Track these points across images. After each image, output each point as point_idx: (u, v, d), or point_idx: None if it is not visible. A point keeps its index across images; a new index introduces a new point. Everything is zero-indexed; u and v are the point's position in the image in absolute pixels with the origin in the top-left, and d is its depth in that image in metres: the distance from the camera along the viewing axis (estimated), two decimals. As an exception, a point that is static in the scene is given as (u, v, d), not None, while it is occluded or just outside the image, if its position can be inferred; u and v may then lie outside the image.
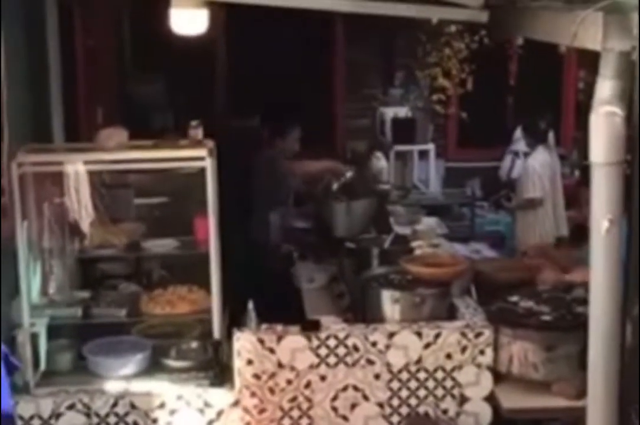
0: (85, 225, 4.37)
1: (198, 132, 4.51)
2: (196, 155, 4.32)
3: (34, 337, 4.32)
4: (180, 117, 7.30)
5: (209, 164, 4.29)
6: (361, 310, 4.68)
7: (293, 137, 6.92)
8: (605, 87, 2.92)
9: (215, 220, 4.39)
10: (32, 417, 4.20)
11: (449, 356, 4.22)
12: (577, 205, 6.40)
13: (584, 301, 3.90)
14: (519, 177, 7.28)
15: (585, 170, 3.16)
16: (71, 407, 4.22)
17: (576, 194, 6.69)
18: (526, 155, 7.36)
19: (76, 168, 4.23)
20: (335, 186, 6.31)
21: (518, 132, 8.08)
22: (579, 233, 5.72)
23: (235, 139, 7.13)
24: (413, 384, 4.24)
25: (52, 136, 5.40)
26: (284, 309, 5.02)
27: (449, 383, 4.24)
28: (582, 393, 3.65)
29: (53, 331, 4.47)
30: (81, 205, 4.30)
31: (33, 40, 5.04)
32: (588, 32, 2.88)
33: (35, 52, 5.11)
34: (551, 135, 7.73)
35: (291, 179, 6.87)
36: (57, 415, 4.21)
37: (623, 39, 2.84)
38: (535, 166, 6.94)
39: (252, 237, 6.70)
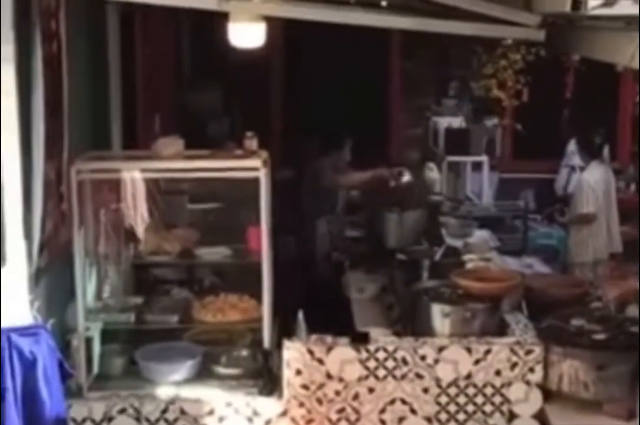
0: (140, 232, 4.44)
1: (253, 143, 4.55)
2: (250, 166, 4.36)
3: (88, 342, 4.40)
4: (236, 127, 7.38)
5: (262, 175, 4.33)
6: (411, 323, 4.69)
7: (347, 148, 6.98)
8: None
9: (268, 229, 4.43)
10: (84, 420, 4.26)
11: (498, 372, 4.20)
12: (633, 221, 6.33)
13: (637, 321, 3.87)
14: (573, 191, 7.22)
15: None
16: (122, 411, 4.28)
17: (632, 208, 6.62)
18: (582, 169, 7.29)
19: (133, 176, 4.30)
20: (392, 184, 6.29)
21: (572, 145, 8.02)
22: (634, 248, 5.67)
23: (290, 150, 7.20)
24: (462, 399, 4.23)
25: (110, 144, 5.49)
26: (333, 319, 5.04)
27: (497, 399, 4.23)
28: (633, 413, 3.63)
29: (106, 336, 4.54)
30: (137, 212, 4.37)
31: (94, 48, 5.14)
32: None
33: (97, 61, 5.20)
34: (606, 150, 7.66)
35: (339, 189, 6.91)
36: (108, 419, 4.27)
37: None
38: (589, 181, 6.86)
39: (303, 247, 6.74)
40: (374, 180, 6.59)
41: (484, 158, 8.68)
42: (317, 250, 6.90)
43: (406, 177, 6.26)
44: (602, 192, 6.88)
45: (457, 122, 8.74)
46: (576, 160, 7.82)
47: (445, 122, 8.75)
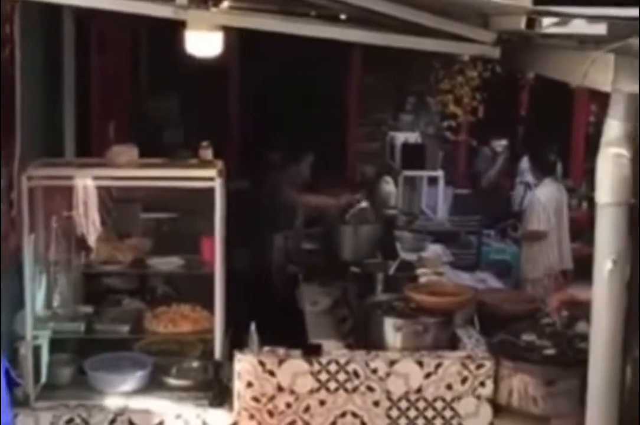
0: (92, 240, 4.39)
1: (208, 153, 4.54)
2: (205, 176, 4.35)
3: (36, 350, 4.34)
4: (191, 136, 7.36)
5: (217, 185, 4.32)
6: (363, 336, 4.68)
7: (306, 163, 6.99)
8: (614, 128, 2.93)
9: (222, 240, 4.41)
10: (30, 430, 4.21)
11: (449, 386, 4.22)
12: (583, 238, 6.40)
13: (586, 337, 3.89)
14: (525, 208, 7.27)
15: (594, 203, 3.20)
16: (70, 421, 4.23)
17: (583, 226, 6.70)
18: (535, 186, 7.36)
19: (85, 183, 4.26)
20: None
21: (524, 163, 8.10)
22: (585, 265, 5.71)
23: (246, 161, 7.19)
24: (412, 413, 4.23)
25: (63, 151, 5.43)
26: (286, 332, 5.02)
27: (448, 413, 4.24)
28: (581, 429, 3.64)
29: (55, 345, 4.49)
30: (89, 220, 4.32)
31: (48, 55, 5.09)
32: (599, 73, 2.90)
33: (51, 67, 5.16)
34: (559, 167, 7.75)
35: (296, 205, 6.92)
36: (55, 429, 4.22)
37: (633, 81, 2.86)
38: (540, 199, 6.92)
39: (257, 259, 6.73)
40: (330, 206, 6.61)
41: (439, 173, 8.75)
42: (272, 262, 6.90)
43: (363, 204, 6.26)
44: (554, 209, 6.94)
45: (414, 137, 8.81)
46: (529, 177, 7.89)
47: (402, 137, 8.81)
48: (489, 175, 8.90)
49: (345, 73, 9.31)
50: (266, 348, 4.29)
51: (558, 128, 8.91)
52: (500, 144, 8.81)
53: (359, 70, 9.21)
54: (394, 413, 4.23)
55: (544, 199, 6.91)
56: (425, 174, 8.75)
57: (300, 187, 7.09)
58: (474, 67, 8.27)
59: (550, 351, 4.23)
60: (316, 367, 4.20)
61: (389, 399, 4.22)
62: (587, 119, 9.08)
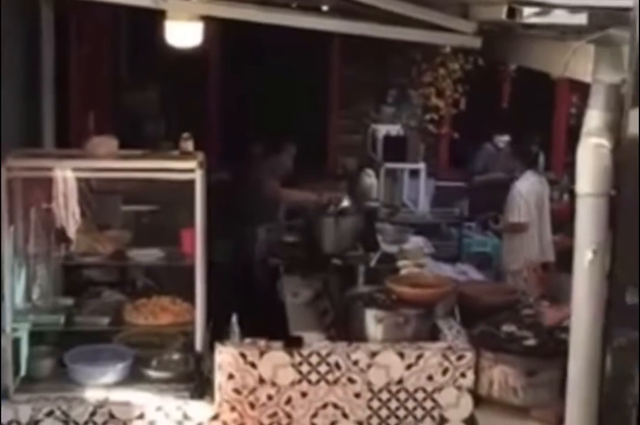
0: (71, 232, 4.36)
1: (189, 144, 4.51)
2: (186, 167, 4.32)
3: (16, 343, 4.32)
4: (172, 127, 7.32)
5: (198, 176, 4.29)
6: (344, 328, 4.68)
7: (288, 154, 6.97)
8: (594, 119, 2.94)
9: (202, 232, 4.39)
10: (10, 423, 4.18)
11: (430, 377, 4.22)
12: (565, 230, 6.41)
13: (566, 328, 3.91)
14: (506, 200, 7.26)
15: (575, 196, 3.21)
16: (50, 414, 4.20)
17: (565, 218, 6.71)
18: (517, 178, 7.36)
19: (65, 174, 4.23)
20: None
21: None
22: (566, 258, 5.72)
23: (228, 153, 7.17)
24: (393, 404, 4.24)
25: (42, 142, 5.39)
26: (267, 323, 5.02)
27: (429, 404, 4.24)
28: (561, 420, 3.65)
29: (35, 337, 4.46)
30: (68, 211, 4.30)
31: (27, 45, 5.05)
32: (579, 63, 2.91)
33: (29, 58, 5.12)
34: (541, 159, 7.77)
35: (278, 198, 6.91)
36: (35, 422, 4.19)
37: (613, 71, 2.86)
38: (521, 191, 6.94)
39: (239, 251, 6.71)
40: (312, 202, 6.61)
41: (421, 165, 8.75)
42: (254, 254, 6.88)
43: (345, 203, 6.25)
44: (535, 202, 6.96)
45: (396, 129, 8.80)
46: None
47: (384, 129, 8.80)
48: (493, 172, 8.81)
49: (327, 65, 9.28)
50: (247, 340, 4.28)
51: (540, 120, 8.92)
52: (503, 139, 8.76)
53: (340, 63, 9.19)
54: (375, 404, 4.24)
55: (525, 191, 6.92)
56: (406, 166, 8.75)
57: (281, 179, 7.07)
58: (455, 60, 8.27)
59: (530, 342, 4.25)
60: (297, 359, 4.19)
61: (370, 390, 4.22)
62: (568, 111, 9.09)
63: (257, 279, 6.76)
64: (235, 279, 6.72)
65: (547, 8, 3.06)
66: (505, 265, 6.98)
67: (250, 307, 5.49)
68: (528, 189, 6.94)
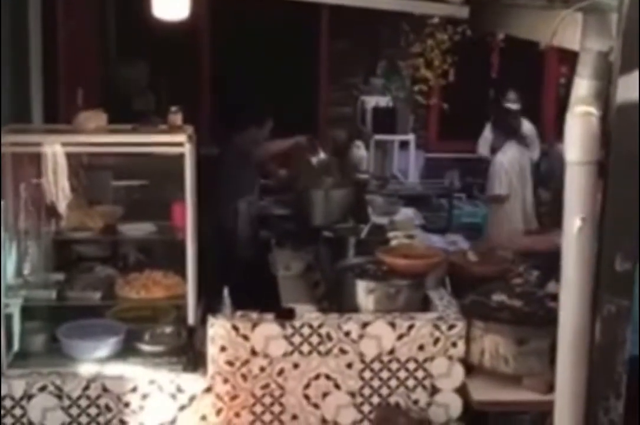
0: (62, 207, 4.36)
1: (177, 118, 4.50)
2: (175, 141, 4.31)
3: (8, 318, 4.32)
4: (161, 102, 7.29)
5: (187, 150, 4.29)
6: (336, 300, 4.71)
7: (268, 127, 6.94)
8: (583, 87, 2.94)
9: (193, 206, 4.39)
10: (3, 398, 4.20)
11: (421, 347, 4.25)
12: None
13: (557, 296, 3.93)
14: (488, 171, 7.25)
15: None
16: (43, 388, 4.22)
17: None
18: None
19: (54, 149, 4.22)
20: (314, 161, 6.31)
21: (487, 131, 8.05)
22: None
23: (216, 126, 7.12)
24: (385, 374, 4.27)
25: (31, 117, 5.37)
26: (259, 296, 5.03)
27: (420, 374, 4.27)
28: (552, 388, 3.68)
29: (27, 313, 4.46)
30: (58, 187, 4.29)
31: (14, 20, 5.01)
32: (567, 31, 2.90)
33: (16, 32, 5.07)
34: (532, 130, 7.76)
35: (259, 162, 6.89)
36: (28, 397, 4.22)
37: (602, 39, 2.86)
38: (503, 162, 6.94)
39: (222, 225, 6.71)
40: (293, 150, 6.58)
41: (410, 137, 8.74)
42: (236, 228, 6.86)
43: (322, 155, 6.24)
44: (517, 173, 6.96)
45: (385, 101, 8.77)
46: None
47: (373, 101, 8.78)
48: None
49: (315, 37, 9.23)
50: (239, 312, 4.30)
51: (528, 91, 8.89)
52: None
53: (328, 35, 9.13)
54: (367, 374, 4.27)
55: (507, 162, 6.93)
56: (396, 138, 8.74)
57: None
58: (444, 30, 8.24)
59: (520, 311, 4.27)
60: (289, 330, 4.21)
61: (362, 361, 4.25)
62: (557, 81, 9.07)
63: (248, 252, 6.76)
64: (226, 252, 6.72)
65: (534, -24, 3.05)
66: (490, 236, 7.00)
67: (242, 280, 5.50)
68: (510, 160, 6.95)
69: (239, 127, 7.00)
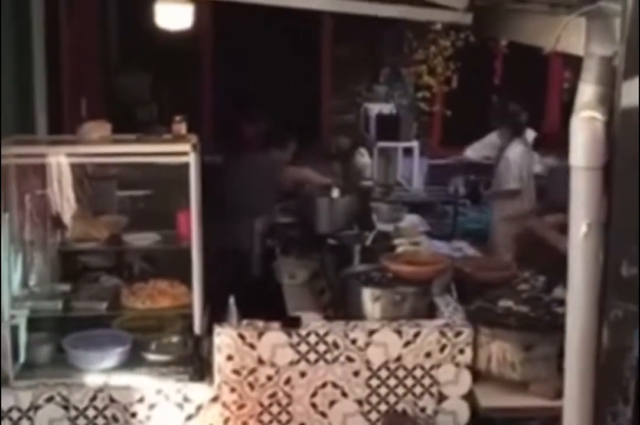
0: (66, 218, 4.36)
1: (182, 127, 4.50)
2: (179, 150, 4.31)
3: (14, 330, 4.32)
4: (165, 112, 7.31)
5: (192, 159, 4.28)
6: (342, 307, 4.70)
7: (290, 150, 6.93)
8: (587, 92, 2.94)
9: (198, 215, 4.39)
10: (10, 409, 4.19)
11: (428, 354, 4.24)
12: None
13: (563, 302, 3.93)
14: (497, 168, 7.25)
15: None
16: (50, 399, 4.21)
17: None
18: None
19: (59, 160, 4.22)
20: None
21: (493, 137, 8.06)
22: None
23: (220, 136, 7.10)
24: (392, 382, 4.26)
25: (35, 128, 5.38)
26: (265, 305, 5.03)
27: (427, 381, 4.26)
28: (559, 393, 3.66)
29: (33, 324, 4.46)
30: (63, 197, 4.29)
31: (17, 30, 5.02)
32: (571, 36, 2.90)
33: (20, 43, 5.09)
34: (530, 133, 7.77)
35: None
36: (35, 408, 4.21)
37: (605, 44, 2.86)
38: (514, 157, 6.99)
39: (236, 238, 6.68)
40: (305, 182, 6.59)
41: (414, 144, 8.75)
42: (252, 245, 6.84)
43: (335, 193, 6.23)
44: (526, 168, 7.03)
45: (388, 108, 8.79)
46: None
47: (377, 108, 8.79)
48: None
49: (318, 45, 9.26)
50: (245, 321, 4.29)
51: (532, 96, 8.89)
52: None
53: (331, 42, 9.16)
54: (374, 382, 4.26)
55: (519, 157, 6.99)
56: (400, 145, 8.75)
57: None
58: (447, 37, 8.26)
59: (527, 317, 4.26)
60: (295, 339, 4.20)
61: (369, 368, 4.24)
62: (561, 86, 9.08)
63: (254, 261, 6.75)
64: (232, 261, 6.71)
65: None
66: (496, 236, 7.01)
67: (248, 290, 5.49)
68: (520, 156, 7.01)
69: (248, 138, 6.97)
